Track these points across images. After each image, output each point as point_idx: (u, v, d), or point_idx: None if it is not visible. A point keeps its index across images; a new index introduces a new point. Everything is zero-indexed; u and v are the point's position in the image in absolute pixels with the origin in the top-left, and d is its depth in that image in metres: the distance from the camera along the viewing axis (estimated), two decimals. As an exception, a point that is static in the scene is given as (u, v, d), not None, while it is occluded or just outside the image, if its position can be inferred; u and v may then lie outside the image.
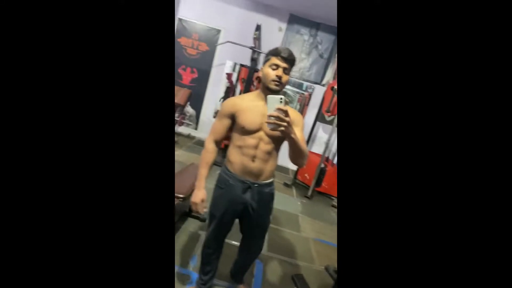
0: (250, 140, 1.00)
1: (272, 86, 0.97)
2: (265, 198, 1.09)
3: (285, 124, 0.82)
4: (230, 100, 1.06)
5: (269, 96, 0.83)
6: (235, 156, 1.04)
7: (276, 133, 0.92)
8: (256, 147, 1.00)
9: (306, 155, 0.98)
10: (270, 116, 0.82)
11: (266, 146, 1.01)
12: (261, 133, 1.00)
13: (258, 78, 3.21)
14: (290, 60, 0.97)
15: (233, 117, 1.03)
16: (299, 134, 0.99)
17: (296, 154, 0.95)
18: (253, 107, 1.00)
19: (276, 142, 1.02)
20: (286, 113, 0.82)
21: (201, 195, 1.04)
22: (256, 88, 3.18)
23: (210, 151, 1.06)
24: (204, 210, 1.05)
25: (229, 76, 3.70)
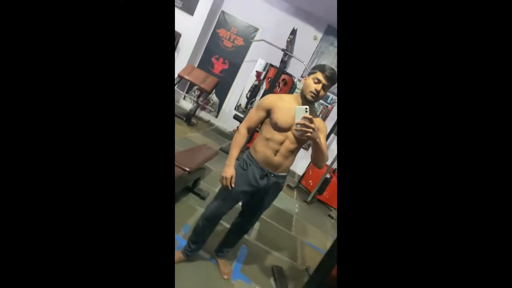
0: (278, 136, 1.14)
1: (309, 96, 1.10)
2: (277, 187, 1.26)
3: (310, 130, 0.98)
4: (271, 96, 1.19)
5: (296, 108, 1.00)
6: (260, 147, 1.17)
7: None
8: (281, 143, 1.14)
9: (326, 158, 1.15)
10: (297, 124, 0.99)
11: (290, 145, 1.14)
12: (289, 133, 1.13)
13: (284, 81, 3.31)
14: (332, 80, 1.08)
15: (268, 112, 1.16)
16: (323, 140, 1.12)
17: (318, 156, 1.11)
18: (288, 108, 1.12)
19: (299, 143, 1.16)
20: (310, 120, 0.98)
21: (231, 172, 1.17)
22: (281, 90, 3.29)
23: (242, 135, 1.20)
24: (232, 185, 1.18)
25: (258, 74, 3.83)
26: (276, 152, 1.15)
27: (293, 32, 3.08)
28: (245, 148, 3.49)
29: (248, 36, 4.00)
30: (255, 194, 1.26)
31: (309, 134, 1.00)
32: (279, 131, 1.14)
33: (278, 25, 3.76)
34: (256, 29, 3.94)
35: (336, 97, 3.72)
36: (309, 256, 2.03)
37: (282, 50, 3.11)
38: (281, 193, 2.03)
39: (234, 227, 1.45)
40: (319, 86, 1.09)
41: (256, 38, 3.93)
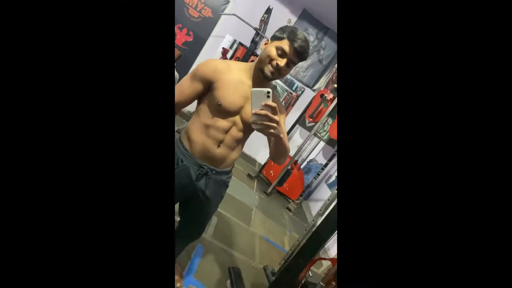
0: (222, 123, 0.84)
1: (267, 71, 0.80)
2: (220, 186, 0.97)
3: (274, 125, 0.69)
4: (212, 61, 0.84)
5: (254, 90, 0.67)
6: (198, 136, 0.86)
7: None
8: (226, 131, 0.85)
9: (288, 152, 0.86)
10: (255, 114, 0.68)
11: (238, 133, 0.86)
12: (236, 117, 0.84)
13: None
14: (302, 56, 0.80)
15: (209, 86, 0.83)
16: (283, 127, 0.83)
17: (280, 152, 0.83)
18: (237, 84, 0.82)
19: (249, 131, 0.88)
20: (274, 110, 0.67)
21: None
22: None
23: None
24: None
25: (225, 51, 3.51)
26: (219, 142, 0.85)
27: (268, 11, 2.84)
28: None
29: (217, 8, 3.61)
30: (193, 198, 0.95)
31: (272, 130, 0.70)
32: (223, 115, 0.83)
33: (252, 1, 3.45)
34: (228, 1, 3.57)
35: (303, 86, 3.63)
36: (267, 253, 1.96)
37: (255, 29, 2.86)
38: (241, 183, 1.86)
39: (180, 232, 1.12)
40: (282, 62, 0.78)
41: (227, 11, 3.56)
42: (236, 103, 0.82)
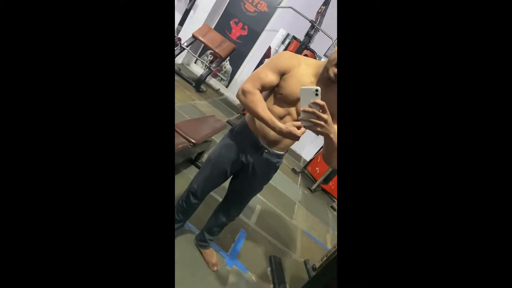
0: (279, 110, 0.90)
1: (331, 73, 0.80)
2: (269, 166, 1.03)
3: (321, 123, 0.69)
4: (289, 53, 0.89)
5: (302, 88, 0.69)
6: None
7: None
8: (281, 118, 0.90)
9: None
10: (304, 111, 0.69)
11: (291, 122, 0.87)
12: (292, 108, 0.89)
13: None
14: None
15: (283, 76, 0.87)
16: (334, 127, 0.80)
17: (330, 154, 0.81)
18: (300, 77, 0.86)
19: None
20: (323, 108, 0.68)
21: (285, 125, 0.81)
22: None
23: (258, 93, 0.86)
24: (301, 131, 0.80)
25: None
26: None
27: (326, 2, 2.75)
28: (241, 116, 3.25)
29: (273, 2, 3.62)
30: (243, 171, 1.03)
31: (318, 128, 0.70)
32: (281, 103, 0.89)
33: (309, -6, 3.37)
34: (284, -5, 3.56)
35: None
36: (308, 248, 1.94)
37: (310, 21, 2.80)
38: (285, 177, 1.83)
39: (217, 212, 1.22)
40: None
41: (283, 4, 3.56)
42: (294, 95, 0.86)
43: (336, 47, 0.86)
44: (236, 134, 1.00)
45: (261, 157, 0.99)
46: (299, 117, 0.72)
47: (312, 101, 0.68)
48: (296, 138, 0.80)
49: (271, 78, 0.87)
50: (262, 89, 0.88)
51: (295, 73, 0.86)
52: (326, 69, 0.84)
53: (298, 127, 0.78)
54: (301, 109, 0.70)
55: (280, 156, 1.02)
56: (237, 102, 3.86)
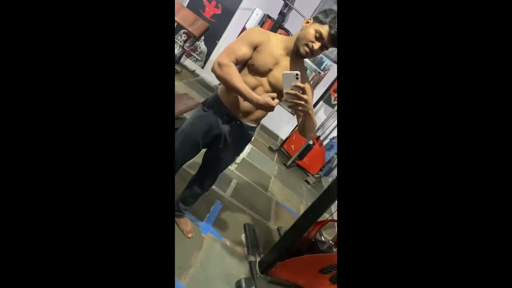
0: (251, 80, 0.95)
1: (302, 50, 0.90)
2: (242, 137, 1.09)
3: (302, 103, 0.81)
4: (260, 29, 0.97)
5: (284, 73, 0.79)
6: None
7: (279, 85, 0.90)
8: (254, 88, 0.95)
9: (315, 127, 0.98)
10: (286, 93, 0.80)
11: (263, 93, 0.94)
12: (264, 79, 0.96)
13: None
14: (335, 42, 0.87)
15: (256, 49, 0.93)
16: (311, 104, 0.92)
17: (308, 127, 0.94)
18: (272, 50, 0.93)
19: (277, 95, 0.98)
20: (303, 90, 0.79)
21: (262, 97, 0.86)
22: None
23: (233, 65, 0.89)
24: (275, 101, 0.87)
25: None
26: None
27: (298, -20, 2.75)
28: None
29: (246, -21, 3.55)
30: (215, 143, 1.08)
31: (300, 108, 0.82)
32: (253, 73, 0.95)
33: (282, -29, 3.34)
34: (257, -28, 3.50)
35: (331, 63, 3.53)
36: (282, 217, 2.06)
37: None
38: (262, 154, 1.91)
39: (191, 183, 1.29)
40: (317, 45, 0.88)
41: (256, -18, 3.50)
42: (266, 65, 0.93)
43: (304, 23, 0.93)
44: (209, 106, 1.04)
45: (233, 129, 1.04)
46: (283, 98, 0.82)
47: (293, 84, 0.78)
48: (271, 108, 0.88)
49: (245, 51, 0.92)
50: (237, 62, 0.93)
51: (266, 46, 0.93)
52: (296, 46, 0.92)
53: (273, 98, 0.86)
54: (284, 91, 0.80)
55: (252, 129, 1.08)
56: (213, 83, 3.84)
